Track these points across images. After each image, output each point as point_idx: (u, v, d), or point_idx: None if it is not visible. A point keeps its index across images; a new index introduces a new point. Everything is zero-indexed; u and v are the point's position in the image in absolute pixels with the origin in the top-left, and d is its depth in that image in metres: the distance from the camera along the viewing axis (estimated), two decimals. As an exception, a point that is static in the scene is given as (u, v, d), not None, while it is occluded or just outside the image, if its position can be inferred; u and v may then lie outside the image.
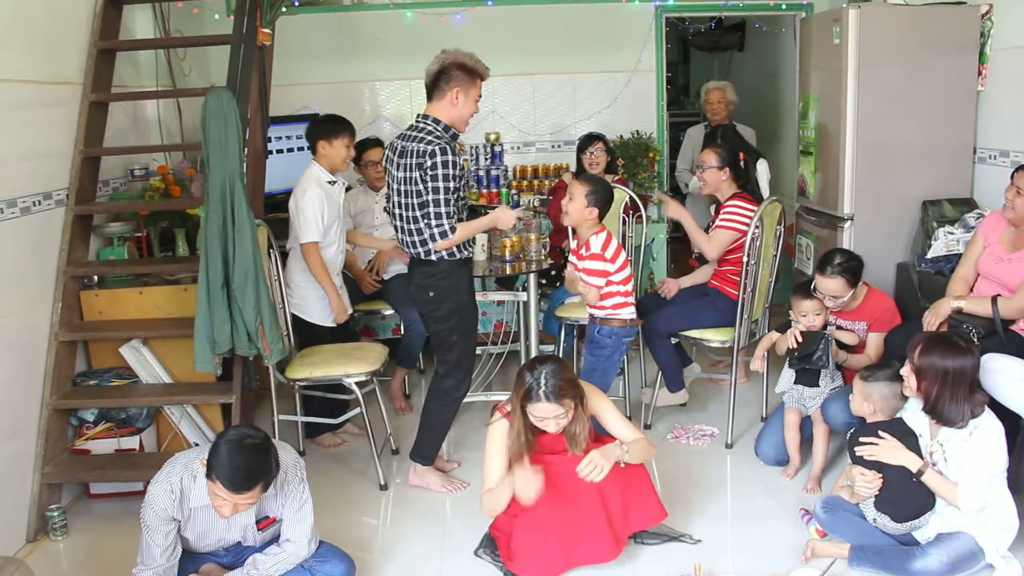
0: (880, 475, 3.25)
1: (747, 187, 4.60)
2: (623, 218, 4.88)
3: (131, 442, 4.09)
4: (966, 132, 4.87)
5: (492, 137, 6.22)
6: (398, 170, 3.77)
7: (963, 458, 3.10)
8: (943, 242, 4.44)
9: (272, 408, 4.20)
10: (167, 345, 4.23)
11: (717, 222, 4.52)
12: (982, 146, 4.85)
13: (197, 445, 4.11)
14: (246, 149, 3.94)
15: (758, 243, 4.24)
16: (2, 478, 3.65)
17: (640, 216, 5.01)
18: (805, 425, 4.12)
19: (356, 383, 4.10)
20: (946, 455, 3.16)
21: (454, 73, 3.73)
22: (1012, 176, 3.82)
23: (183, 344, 4.04)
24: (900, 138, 4.82)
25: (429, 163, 3.62)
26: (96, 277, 4.32)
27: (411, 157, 3.70)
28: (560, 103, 6.47)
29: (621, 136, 6.28)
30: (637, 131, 6.33)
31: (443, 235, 3.69)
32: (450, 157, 3.63)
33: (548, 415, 3.19)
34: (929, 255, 4.49)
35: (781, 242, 4.53)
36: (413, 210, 3.74)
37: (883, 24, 4.75)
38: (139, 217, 4.58)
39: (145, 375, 4.18)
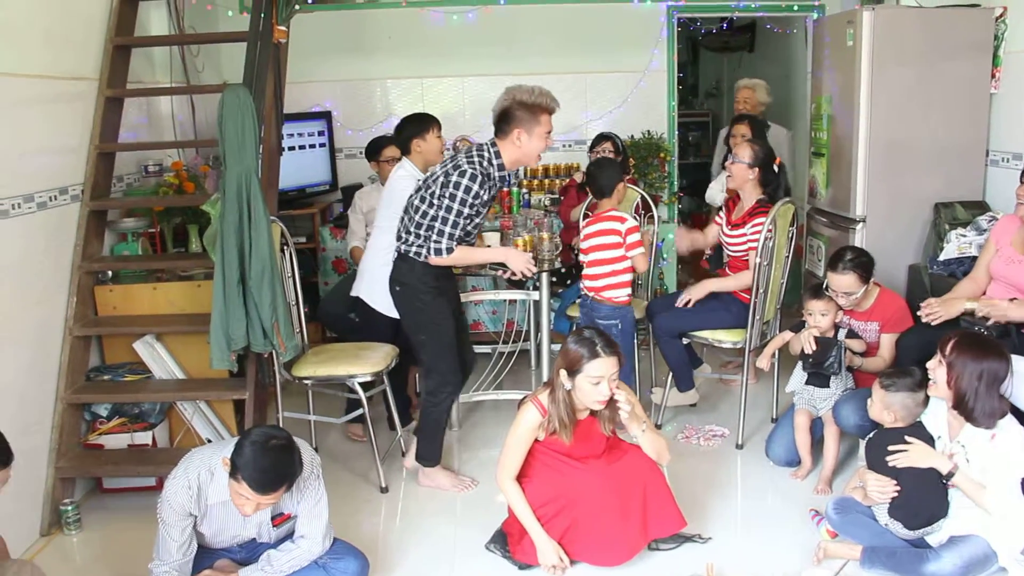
0: (896, 482, 3.26)
1: (775, 193, 4.45)
2: (635, 217, 4.88)
3: (144, 437, 4.10)
4: (979, 134, 4.87)
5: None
6: (438, 168, 3.82)
7: (988, 462, 3.10)
8: (955, 244, 4.44)
9: (277, 405, 4.21)
10: (180, 341, 4.25)
11: (751, 243, 4.36)
12: (995, 149, 4.85)
13: (210, 441, 4.14)
14: (261, 146, 3.95)
15: (771, 244, 4.23)
16: (16, 472, 3.64)
17: (652, 216, 5.01)
18: (816, 426, 4.12)
19: (361, 384, 4.10)
20: (968, 456, 3.16)
21: (515, 113, 3.70)
22: (1021, 175, 3.83)
23: (196, 340, 4.07)
24: (913, 140, 4.82)
25: (454, 179, 3.67)
26: (110, 272, 4.33)
27: (449, 163, 3.75)
28: (571, 102, 6.45)
29: (632, 136, 6.28)
30: (648, 131, 6.33)
31: (438, 252, 3.73)
32: (475, 187, 3.65)
33: (605, 373, 3.19)
34: (941, 257, 4.49)
35: (793, 243, 4.52)
36: (418, 210, 3.78)
37: (897, 26, 4.74)
38: (153, 213, 4.60)
39: (158, 370, 4.20)
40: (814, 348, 3.94)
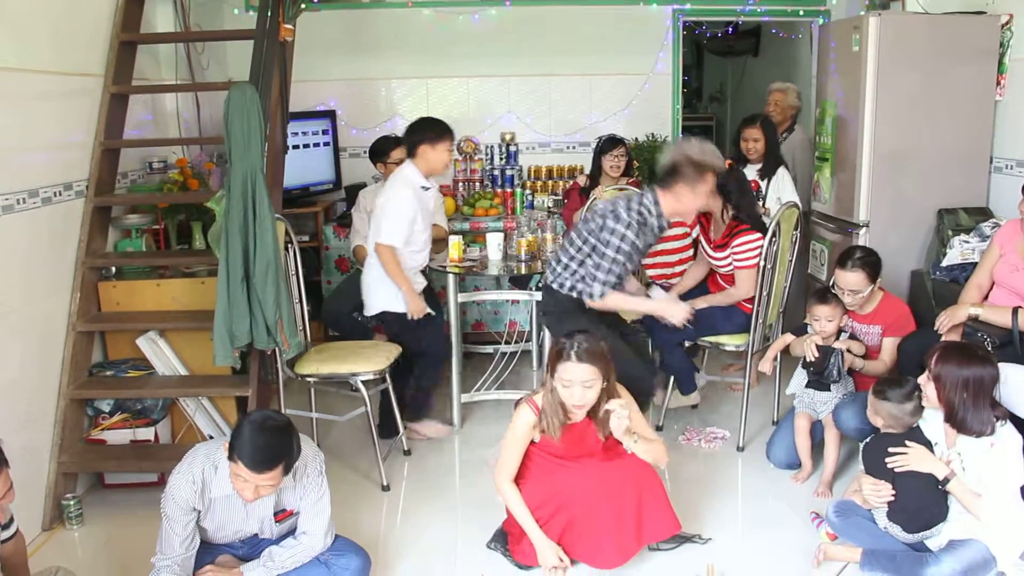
0: (891, 486, 3.26)
1: (740, 200, 4.36)
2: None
3: (146, 433, 4.10)
4: (983, 141, 4.87)
5: (507, 137, 6.26)
6: (598, 208, 3.91)
7: (984, 470, 3.09)
8: (958, 251, 4.44)
9: (280, 402, 4.21)
10: (183, 337, 4.26)
11: (736, 263, 4.35)
12: (999, 155, 4.85)
13: (212, 437, 4.14)
14: (266, 144, 3.96)
15: (775, 248, 4.24)
16: (19, 466, 3.63)
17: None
18: (816, 429, 4.13)
19: (364, 382, 4.12)
20: (964, 464, 3.16)
21: (683, 170, 3.79)
22: (1023, 188, 3.84)
23: (199, 336, 4.08)
24: (917, 146, 4.83)
25: (610, 226, 3.76)
26: (114, 268, 4.34)
27: (611, 205, 3.83)
28: (576, 104, 6.48)
29: (636, 139, 6.29)
30: (652, 134, 6.34)
31: (590, 296, 3.82)
32: (631, 236, 3.75)
33: (575, 378, 3.19)
34: (944, 263, 4.49)
35: (797, 247, 4.53)
36: (578, 248, 3.88)
37: (903, 32, 4.75)
38: (157, 209, 4.60)
39: (161, 367, 4.20)
40: (816, 356, 3.94)
